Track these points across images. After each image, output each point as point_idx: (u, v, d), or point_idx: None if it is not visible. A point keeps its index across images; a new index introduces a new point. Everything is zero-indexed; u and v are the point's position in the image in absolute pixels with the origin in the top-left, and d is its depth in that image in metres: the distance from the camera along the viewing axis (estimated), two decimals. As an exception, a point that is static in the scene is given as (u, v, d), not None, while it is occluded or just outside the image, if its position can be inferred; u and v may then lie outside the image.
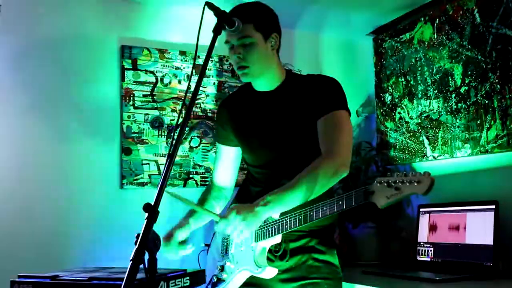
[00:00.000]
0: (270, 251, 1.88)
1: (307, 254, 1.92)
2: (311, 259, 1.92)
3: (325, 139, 1.82)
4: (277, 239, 1.84)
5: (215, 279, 1.94)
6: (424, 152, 2.99)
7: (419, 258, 2.78)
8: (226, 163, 2.12)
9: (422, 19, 3.02)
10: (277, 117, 1.93)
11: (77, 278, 1.55)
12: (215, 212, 2.02)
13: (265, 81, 1.95)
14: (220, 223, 1.69)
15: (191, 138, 2.97)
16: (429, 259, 2.72)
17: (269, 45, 1.89)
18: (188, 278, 1.67)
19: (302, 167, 1.76)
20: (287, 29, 3.30)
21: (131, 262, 1.21)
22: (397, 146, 3.18)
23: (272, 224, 1.82)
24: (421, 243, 2.79)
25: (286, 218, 1.77)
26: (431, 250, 2.72)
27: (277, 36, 1.92)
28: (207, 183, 2.89)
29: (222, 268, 1.96)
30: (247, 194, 2.03)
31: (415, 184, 1.40)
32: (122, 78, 2.85)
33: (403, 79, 3.16)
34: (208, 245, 2.15)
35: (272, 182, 1.85)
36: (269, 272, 1.83)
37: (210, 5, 1.56)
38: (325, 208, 1.66)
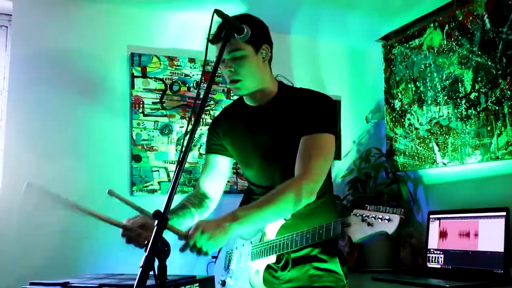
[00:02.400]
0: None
1: (308, 264, 1.91)
2: (313, 268, 1.91)
3: (301, 161, 1.80)
4: (271, 259, 1.85)
5: None
6: (434, 158, 2.97)
7: (429, 265, 2.76)
8: (217, 173, 2.08)
9: (432, 25, 3.01)
10: (269, 135, 1.92)
11: (88, 285, 1.56)
12: (192, 218, 1.91)
13: (257, 95, 1.93)
14: (185, 242, 1.56)
15: (200, 145, 2.98)
16: (439, 266, 2.70)
17: (260, 57, 1.87)
18: (197, 285, 1.67)
19: None
20: (292, 35, 3.33)
21: (141, 268, 1.22)
22: (406, 153, 3.17)
23: (267, 244, 1.82)
24: (431, 250, 2.77)
25: (278, 241, 1.77)
26: (441, 257, 2.70)
27: (268, 47, 1.90)
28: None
29: (223, 283, 1.96)
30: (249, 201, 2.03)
31: (386, 222, 1.40)
32: (132, 85, 2.87)
33: (412, 85, 3.15)
34: (215, 257, 2.15)
35: None
36: None
37: (219, 13, 1.56)
38: (308, 236, 1.67)
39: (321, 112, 1.86)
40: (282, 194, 1.72)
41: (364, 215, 1.46)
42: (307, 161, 1.78)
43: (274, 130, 1.92)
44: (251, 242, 1.91)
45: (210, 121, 2.97)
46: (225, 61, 1.85)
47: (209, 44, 1.64)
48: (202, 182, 2.07)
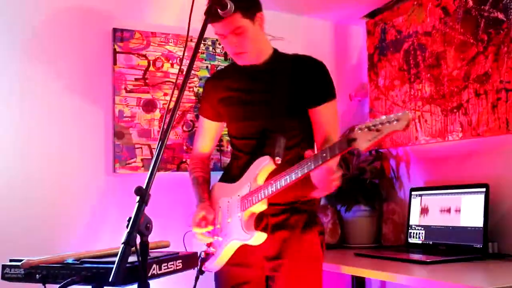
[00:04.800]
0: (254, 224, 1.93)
1: (286, 231, 1.96)
2: (291, 236, 1.96)
3: (327, 128, 1.96)
4: (263, 205, 1.88)
5: (204, 255, 1.98)
6: (416, 135, 3.00)
7: (410, 241, 2.81)
8: (213, 136, 2.24)
9: (415, 2, 3.01)
10: (265, 92, 2.01)
11: (68, 261, 1.56)
12: None
13: (253, 56, 2.02)
14: None
15: (184, 123, 2.97)
16: (420, 242, 2.74)
17: (257, 25, 1.97)
18: (180, 261, 1.68)
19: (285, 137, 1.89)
20: (275, 12, 3.30)
21: (123, 245, 1.22)
22: (389, 130, 3.18)
23: (256, 191, 1.86)
24: (413, 226, 2.81)
25: (272, 181, 1.81)
26: (422, 233, 2.75)
27: (262, 13, 2.01)
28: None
29: (210, 244, 1.99)
30: (230, 172, 2.12)
31: (395, 122, 1.44)
32: (114, 61, 2.83)
33: (395, 63, 3.15)
34: None
35: (255, 151, 1.96)
36: (259, 238, 1.87)
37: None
38: (310, 163, 1.68)
39: (325, 79, 2.01)
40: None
41: (370, 125, 1.50)
42: (332, 128, 1.98)
43: (270, 89, 2.01)
44: (238, 195, 1.94)
45: (194, 98, 2.98)
46: (226, 36, 1.93)
47: (193, 20, 1.65)
48: (203, 146, 2.25)
